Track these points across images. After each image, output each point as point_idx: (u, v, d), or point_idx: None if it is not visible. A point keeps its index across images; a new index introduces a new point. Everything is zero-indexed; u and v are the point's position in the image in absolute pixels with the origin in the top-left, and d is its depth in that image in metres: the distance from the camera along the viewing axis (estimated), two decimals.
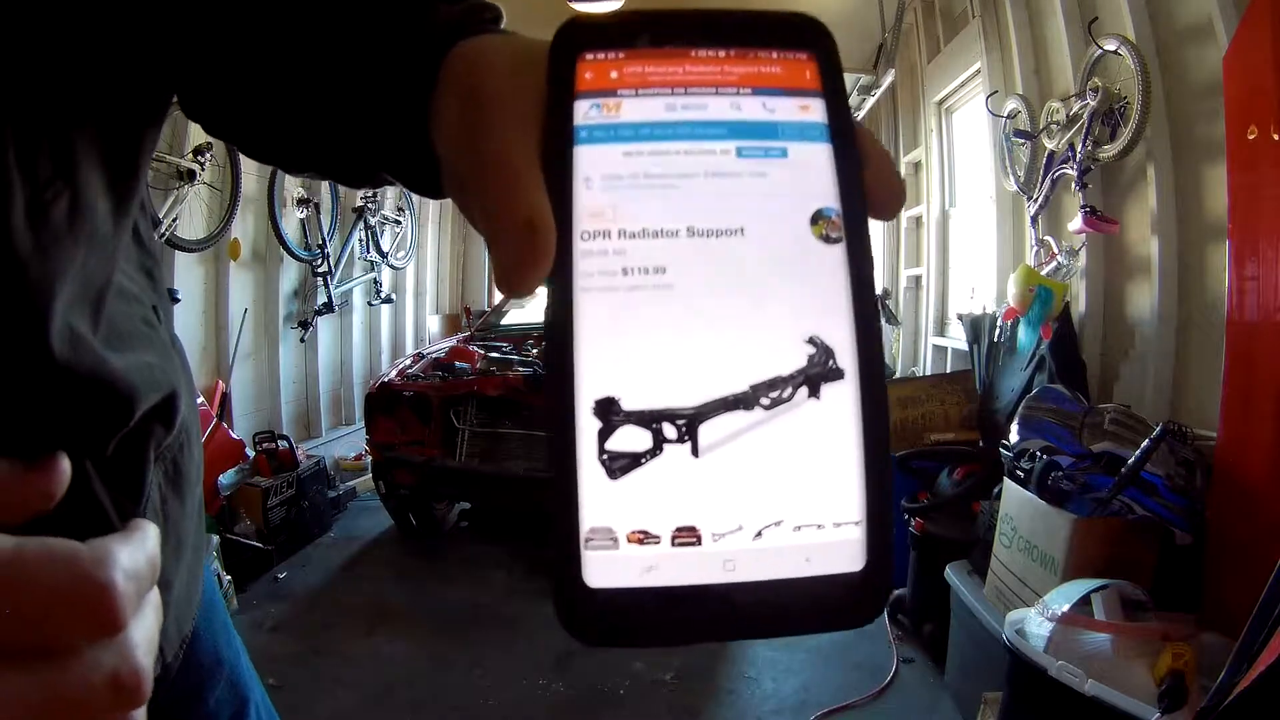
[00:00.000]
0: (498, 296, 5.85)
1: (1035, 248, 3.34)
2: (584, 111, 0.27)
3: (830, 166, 0.27)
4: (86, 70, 0.32)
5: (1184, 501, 2.00)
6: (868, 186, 0.27)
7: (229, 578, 2.95)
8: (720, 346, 0.25)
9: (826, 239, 0.26)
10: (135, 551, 0.26)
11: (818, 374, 0.25)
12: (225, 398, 3.74)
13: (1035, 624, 1.71)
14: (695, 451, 0.25)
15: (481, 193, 0.27)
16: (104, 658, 0.24)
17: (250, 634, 2.77)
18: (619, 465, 0.24)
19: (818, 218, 0.26)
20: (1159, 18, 2.64)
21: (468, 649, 2.72)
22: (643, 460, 0.24)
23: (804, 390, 0.25)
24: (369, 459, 3.88)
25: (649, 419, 0.24)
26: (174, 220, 3.14)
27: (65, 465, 0.27)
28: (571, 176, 0.26)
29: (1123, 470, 2.01)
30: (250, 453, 3.55)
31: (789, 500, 0.25)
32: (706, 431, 0.25)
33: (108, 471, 0.36)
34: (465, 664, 2.63)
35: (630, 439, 0.24)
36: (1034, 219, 3.34)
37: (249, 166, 3.67)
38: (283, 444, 3.63)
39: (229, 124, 0.37)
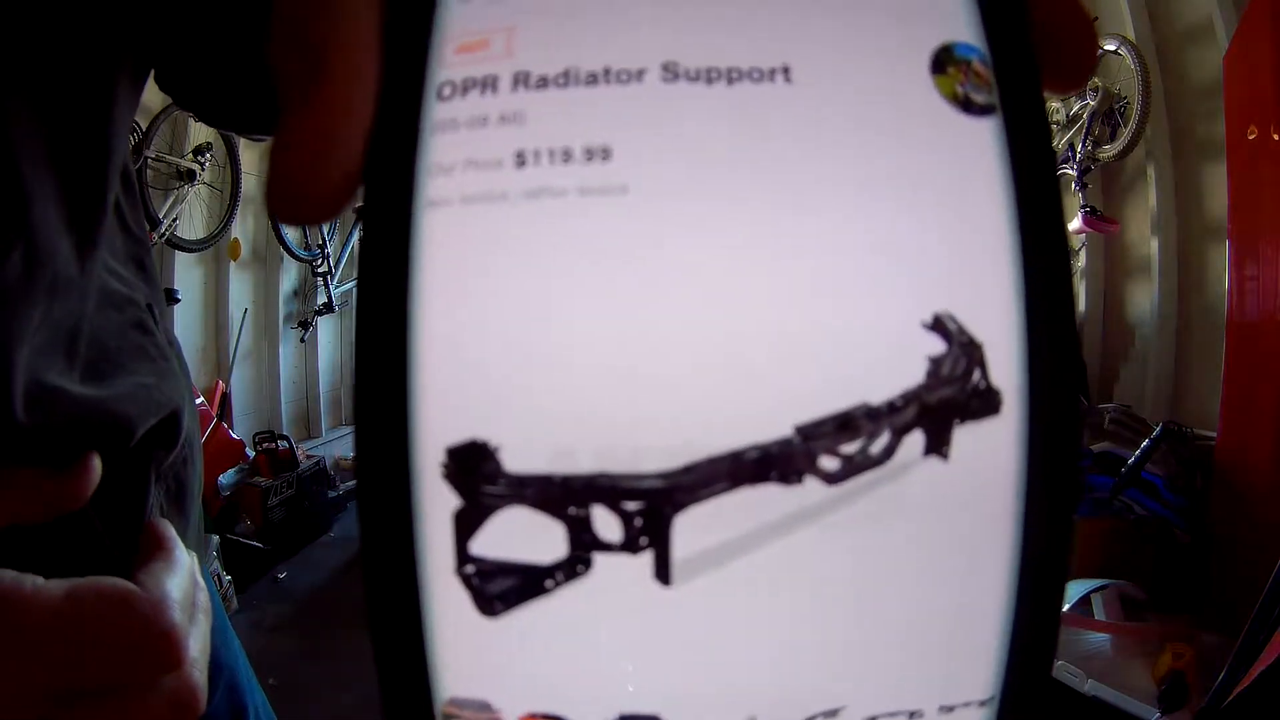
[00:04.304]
0: None
1: None
2: None
3: None
4: (25, 65, 0.25)
5: (1184, 501, 2.00)
6: (1037, 14, 0.14)
7: (229, 578, 2.95)
8: (730, 339, 0.12)
9: (965, 103, 0.13)
10: (181, 577, 0.27)
11: (948, 401, 0.12)
12: (225, 398, 3.74)
13: None
14: (664, 572, 0.12)
15: (272, 28, 0.14)
16: (164, 683, 0.25)
17: (250, 634, 2.77)
18: (500, 590, 0.12)
19: (947, 59, 0.13)
20: (1159, 18, 2.64)
21: None
22: (550, 583, 0.12)
23: (916, 438, 0.12)
24: None
25: (563, 496, 0.12)
26: (174, 220, 3.14)
27: (95, 465, 0.27)
28: None
29: (1123, 470, 2.00)
30: (250, 453, 3.55)
31: (858, 670, 0.13)
32: (691, 528, 0.12)
33: (103, 500, 0.34)
34: None
35: (523, 536, 0.12)
36: None
37: (249, 166, 3.67)
38: (283, 444, 3.63)
39: (178, 79, 0.34)
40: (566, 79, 0.12)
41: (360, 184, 0.13)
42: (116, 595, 0.24)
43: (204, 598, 0.28)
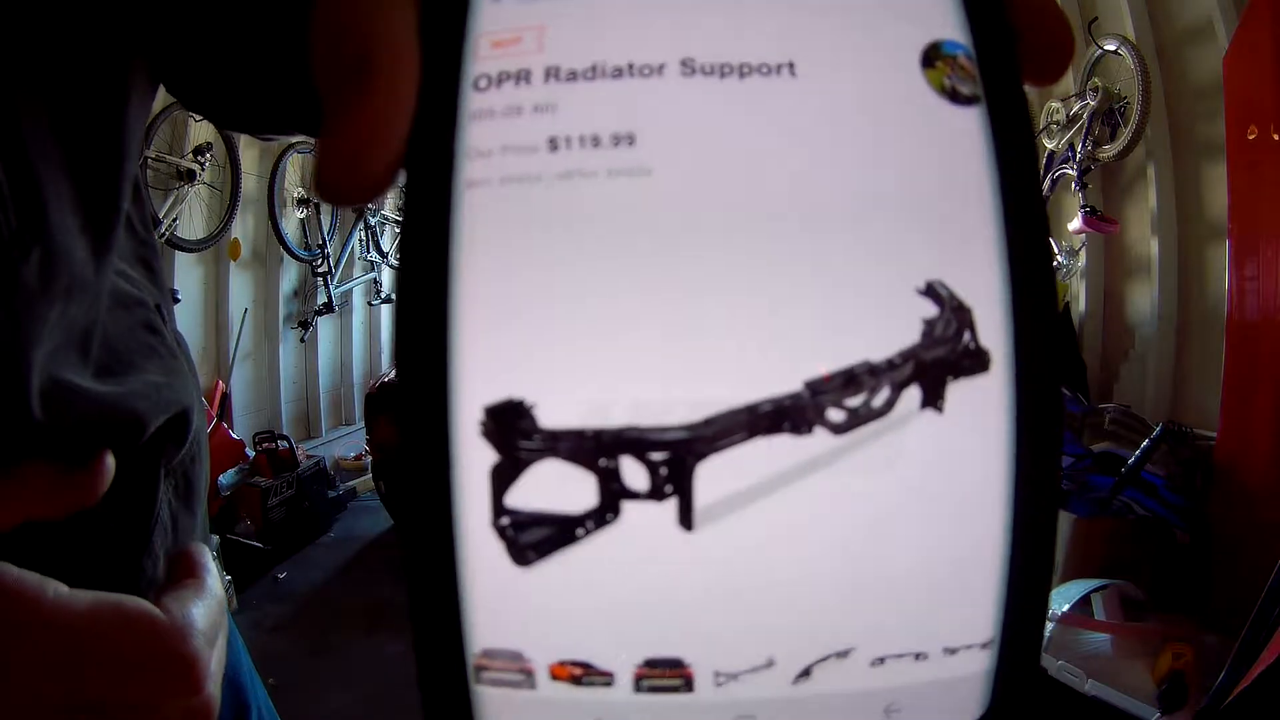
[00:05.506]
0: None
1: None
2: None
3: None
4: (46, 71, 0.26)
5: (1184, 501, 2.00)
6: (1017, 13, 0.15)
7: (229, 578, 2.95)
8: (745, 304, 0.13)
9: (952, 95, 0.14)
10: (209, 604, 0.27)
11: (941, 360, 0.13)
12: (225, 398, 3.74)
13: None
14: (687, 518, 0.13)
15: (314, 27, 0.15)
16: (180, 700, 0.25)
17: (250, 634, 2.77)
18: (533, 540, 0.13)
19: (935, 55, 0.14)
20: (1159, 18, 2.65)
21: None
22: (581, 531, 0.13)
23: (912, 392, 0.13)
24: (369, 459, 3.87)
25: (594, 449, 0.13)
26: (174, 220, 3.14)
27: (109, 463, 0.28)
28: None
29: (1123, 470, 2.01)
30: (250, 453, 3.55)
31: (867, 612, 0.14)
32: (711, 477, 0.13)
33: (113, 496, 0.35)
34: None
35: (555, 488, 0.13)
36: None
37: (249, 166, 3.67)
38: (283, 444, 3.63)
39: (187, 81, 0.34)
40: (594, 73, 0.14)
41: (403, 167, 0.14)
42: (139, 617, 0.24)
43: (223, 620, 0.28)
